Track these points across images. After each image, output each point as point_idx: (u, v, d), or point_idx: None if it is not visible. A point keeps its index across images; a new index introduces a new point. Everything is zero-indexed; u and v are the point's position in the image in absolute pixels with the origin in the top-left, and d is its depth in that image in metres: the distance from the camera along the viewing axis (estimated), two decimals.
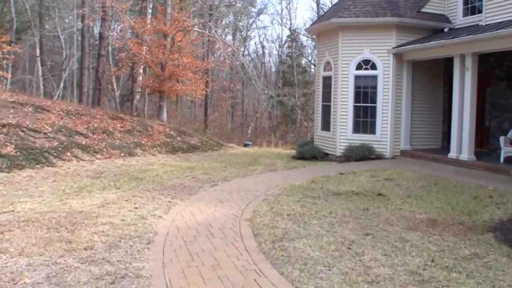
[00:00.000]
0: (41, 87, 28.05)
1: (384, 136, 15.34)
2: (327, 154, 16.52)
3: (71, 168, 12.04)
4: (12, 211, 7.68)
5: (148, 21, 23.13)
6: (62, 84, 32.36)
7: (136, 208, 7.95)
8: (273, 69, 51.21)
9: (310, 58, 45.54)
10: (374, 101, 15.47)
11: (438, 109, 16.05)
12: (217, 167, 13.63)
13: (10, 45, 19.69)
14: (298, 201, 8.81)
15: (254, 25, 55.32)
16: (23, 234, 6.28)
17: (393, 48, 15.08)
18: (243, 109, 44.46)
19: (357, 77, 15.60)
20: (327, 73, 16.71)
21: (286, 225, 7.06)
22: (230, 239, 6.37)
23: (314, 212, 7.87)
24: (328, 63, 16.64)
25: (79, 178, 10.79)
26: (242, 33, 48.26)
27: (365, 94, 15.61)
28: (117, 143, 15.56)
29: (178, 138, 19.21)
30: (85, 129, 15.77)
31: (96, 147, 14.36)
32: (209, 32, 25.83)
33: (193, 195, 9.32)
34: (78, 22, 23.38)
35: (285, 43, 45.98)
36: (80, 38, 27.58)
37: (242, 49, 46.08)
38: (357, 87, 15.62)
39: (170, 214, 7.65)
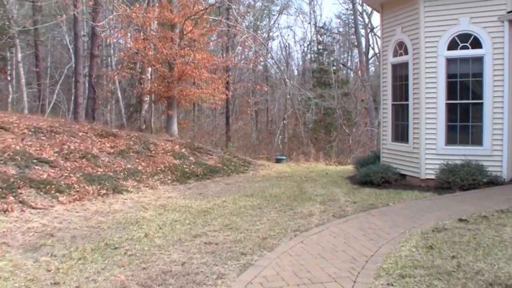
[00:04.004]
0: (25, 99, 23.34)
1: (496, 148, 10.12)
2: (403, 175, 11.35)
3: (1, 226, 7.10)
4: None
5: (151, 9, 18.22)
6: (55, 96, 27.74)
7: None
8: (295, 72, 46.04)
9: (337, 56, 40.34)
10: (478, 95, 10.27)
11: None
12: (247, 209, 8.59)
13: None
14: None
15: (276, 25, 50.57)
16: None
17: (509, 12, 9.87)
18: (267, 116, 39.38)
19: (450, 61, 10.44)
20: (399, 59, 11.54)
21: None
22: None
23: None
24: (401, 44, 11.48)
25: None
26: (264, 34, 43.28)
27: (463, 85, 10.44)
28: (98, 174, 10.63)
29: (191, 159, 14.24)
30: (55, 154, 10.90)
31: (62, 183, 9.45)
32: (226, 19, 20.84)
33: None
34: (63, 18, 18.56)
35: (310, 43, 40.87)
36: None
37: (264, 51, 41.17)
38: (450, 75, 10.46)
39: None
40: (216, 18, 19.99)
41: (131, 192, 10.26)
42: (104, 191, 9.73)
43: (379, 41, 41.89)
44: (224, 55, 22.75)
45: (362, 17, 37.13)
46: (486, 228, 6.61)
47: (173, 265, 5.42)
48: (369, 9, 35.47)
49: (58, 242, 6.38)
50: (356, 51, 41.47)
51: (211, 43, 22.40)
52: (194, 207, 8.89)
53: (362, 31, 36.45)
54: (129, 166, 11.92)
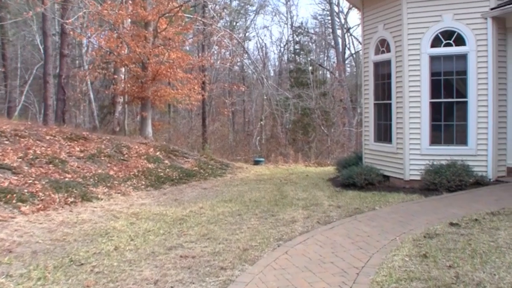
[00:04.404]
0: None
1: (481, 148, 9.81)
2: (387, 177, 10.99)
3: None
4: None
5: (124, 6, 17.45)
6: (23, 98, 26.73)
7: None
8: (272, 73, 45.52)
9: (314, 57, 39.99)
10: (462, 94, 9.97)
11: None
12: (226, 216, 8.08)
13: None
14: None
15: (252, 25, 50.11)
16: None
17: (492, 9, 9.59)
18: (244, 117, 38.80)
19: (434, 59, 10.10)
20: (382, 57, 11.18)
21: None
22: None
23: None
24: (383, 41, 11.12)
25: None
26: (240, 34, 42.72)
27: (447, 84, 10.12)
28: (66, 180, 9.98)
29: (166, 162, 13.66)
30: (19, 160, 10.20)
31: (25, 191, 8.78)
32: (202, 17, 20.26)
33: None
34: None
35: (286, 43, 40.47)
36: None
37: (241, 50, 40.63)
38: (434, 73, 10.12)
39: None
40: (191, 16, 19.39)
41: (102, 199, 9.63)
42: (71, 199, 9.08)
43: (355, 41, 42.12)
44: (200, 54, 22.12)
45: (338, 18, 37.10)
46: (479, 232, 6.24)
47: (145, 283, 4.88)
48: (345, 9, 35.49)
49: (17, 259, 5.76)
50: (332, 51, 41.44)
51: (186, 42, 21.78)
52: (169, 214, 8.34)
53: (338, 32, 36.40)
54: (100, 171, 11.29)
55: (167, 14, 17.20)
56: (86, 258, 5.79)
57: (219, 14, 22.11)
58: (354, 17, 69.09)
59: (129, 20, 18.94)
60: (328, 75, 39.00)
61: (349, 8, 39.04)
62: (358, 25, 64.48)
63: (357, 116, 32.38)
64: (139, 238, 6.70)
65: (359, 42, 39.86)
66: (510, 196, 8.28)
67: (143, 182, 11.49)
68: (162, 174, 12.42)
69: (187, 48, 29.04)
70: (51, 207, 8.51)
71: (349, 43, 39.19)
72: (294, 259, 5.55)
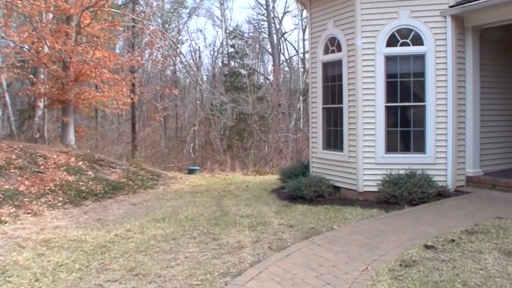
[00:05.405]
0: None
1: (440, 156, 9.07)
2: (337, 188, 10.02)
3: None
4: None
5: None
6: None
7: None
8: (204, 78, 44.04)
9: (249, 61, 39.06)
10: (420, 97, 9.19)
11: None
12: (158, 242, 6.71)
13: None
14: None
15: (185, 28, 48.40)
16: None
17: (451, 7, 8.87)
18: (177, 122, 37.11)
19: (389, 59, 9.24)
20: (331, 56, 10.21)
21: None
22: None
23: None
24: (333, 39, 10.15)
25: None
26: (173, 37, 41.02)
27: (404, 86, 9.30)
28: None
29: (89, 173, 12.02)
30: None
31: None
32: (132, 12, 18.65)
33: None
34: None
35: (220, 47, 39.30)
36: None
37: (174, 51, 38.97)
38: (390, 75, 9.27)
39: None
40: (120, 12, 17.74)
41: (6, 222, 7.91)
42: None
43: (289, 46, 41.76)
44: (129, 54, 20.40)
45: (274, 23, 36.46)
46: (461, 257, 5.30)
47: None
48: (280, 14, 34.96)
49: None
50: (266, 56, 40.83)
51: (116, 43, 20.05)
52: (89, 240, 6.85)
53: (273, 36, 35.75)
54: (7, 186, 9.52)
55: (91, 8, 15.48)
56: None
57: (150, 8, 20.51)
58: (289, 22, 69.35)
59: (51, 14, 17.07)
60: (262, 80, 38.31)
61: (284, 13, 38.63)
62: (293, 30, 64.51)
63: (293, 121, 31.74)
64: (46, 277, 5.21)
65: (294, 47, 39.62)
66: (478, 209, 7.48)
67: (61, 199, 9.81)
68: (84, 187, 10.78)
69: (118, 50, 27.24)
70: None
71: (283, 49, 38.72)
72: None
